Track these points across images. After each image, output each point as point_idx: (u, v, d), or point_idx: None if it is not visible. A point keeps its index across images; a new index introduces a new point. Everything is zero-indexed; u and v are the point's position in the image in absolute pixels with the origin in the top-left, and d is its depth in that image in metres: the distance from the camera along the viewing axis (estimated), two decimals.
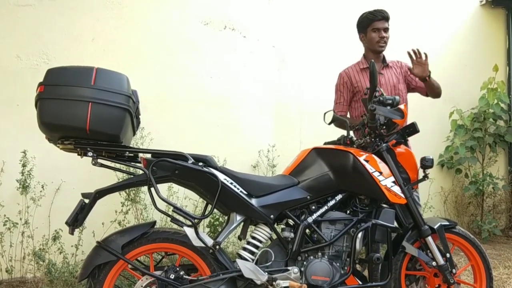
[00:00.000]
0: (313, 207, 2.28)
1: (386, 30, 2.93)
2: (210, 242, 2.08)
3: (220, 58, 4.08)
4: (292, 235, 2.24)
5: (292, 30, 4.36)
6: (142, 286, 2.10)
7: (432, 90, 2.98)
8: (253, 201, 2.19)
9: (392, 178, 2.26)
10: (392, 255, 2.31)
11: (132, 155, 2.15)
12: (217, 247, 2.09)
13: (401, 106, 2.29)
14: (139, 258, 2.19)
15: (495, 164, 5.01)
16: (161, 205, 2.07)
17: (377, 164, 2.25)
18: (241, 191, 2.17)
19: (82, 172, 3.35)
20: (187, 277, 2.08)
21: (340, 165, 2.27)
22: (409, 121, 2.41)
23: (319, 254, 2.24)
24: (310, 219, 2.24)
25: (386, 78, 3.00)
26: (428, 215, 4.30)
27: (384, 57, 3.05)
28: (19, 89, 3.38)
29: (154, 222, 2.21)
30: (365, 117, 2.41)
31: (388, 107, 2.27)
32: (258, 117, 4.20)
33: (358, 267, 2.36)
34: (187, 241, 2.09)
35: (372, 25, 2.92)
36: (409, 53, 2.80)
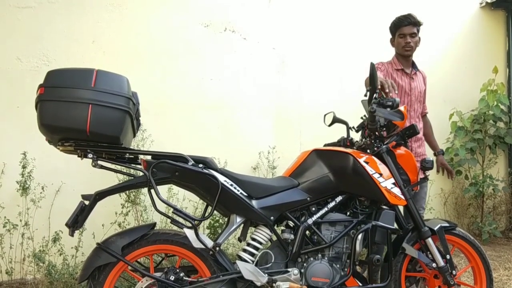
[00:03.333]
0: (313, 209, 2.28)
1: (413, 35, 2.97)
2: (210, 243, 2.09)
3: (220, 60, 4.09)
4: (292, 236, 2.24)
5: (292, 32, 4.37)
6: (142, 287, 2.10)
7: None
8: (253, 203, 2.19)
9: (392, 180, 2.26)
10: (392, 256, 2.31)
11: (132, 156, 2.15)
12: (217, 248, 2.09)
13: (401, 108, 2.29)
14: (139, 260, 2.19)
15: (495, 166, 5.01)
16: (161, 206, 2.07)
17: (377, 166, 2.25)
18: (241, 193, 2.18)
19: (82, 174, 3.35)
20: (187, 278, 2.08)
21: (340, 167, 2.27)
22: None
23: (319, 255, 2.24)
24: (310, 221, 2.24)
25: (416, 83, 3.07)
26: (428, 217, 4.30)
27: (414, 62, 3.10)
28: (19, 91, 3.39)
29: (154, 224, 2.21)
30: (365, 118, 2.42)
31: (388, 109, 2.28)
32: (258, 119, 4.20)
33: (358, 268, 2.36)
34: (187, 242, 2.09)
35: (399, 30, 2.98)
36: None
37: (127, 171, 2.29)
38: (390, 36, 3.09)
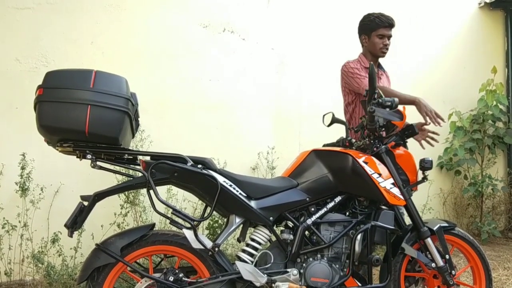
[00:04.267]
0: (312, 209, 2.28)
1: (389, 37, 2.94)
2: (209, 244, 2.08)
3: (219, 60, 4.09)
4: (291, 237, 2.24)
5: (291, 33, 4.37)
6: None
7: None
8: (252, 203, 2.19)
9: (391, 180, 2.26)
10: (392, 256, 2.31)
11: (131, 157, 2.15)
12: (216, 249, 2.09)
13: (400, 108, 2.29)
14: (138, 261, 2.19)
15: (494, 166, 5.02)
16: (160, 207, 2.07)
17: (376, 166, 2.25)
18: (240, 193, 2.17)
19: (81, 175, 3.35)
20: (186, 279, 2.08)
21: (339, 167, 2.27)
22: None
23: (319, 256, 2.24)
24: (309, 221, 2.24)
25: (382, 83, 3.02)
26: (427, 217, 4.30)
27: (379, 63, 3.08)
28: (18, 92, 3.39)
29: (153, 225, 2.21)
30: (364, 119, 2.42)
31: (387, 109, 2.28)
32: (258, 120, 4.20)
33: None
34: (186, 243, 2.09)
35: (378, 31, 2.91)
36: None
37: (126, 172, 2.29)
38: (362, 35, 3.01)
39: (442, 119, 2.57)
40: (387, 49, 2.94)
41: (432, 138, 2.68)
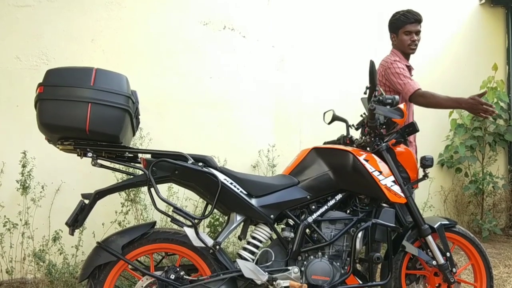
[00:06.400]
0: (313, 207, 2.28)
1: (418, 33, 2.93)
2: (210, 242, 2.09)
3: (220, 58, 4.08)
4: (292, 235, 2.24)
5: (292, 30, 4.36)
6: (142, 286, 2.10)
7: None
8: (253, 201, 2.19)
9: (392, 178, 2.26)
10: (392, 254, 2.31)
11: (132, 155, 2.15)
12: (217, 247, 2.10)
13: (401, 106, 2.28)
14: (139, 259, 2.19)
15: (495, 163, 5.01)
16: (161, 205, 2.07)
17: (377, 164, 2.25)
18: (241, 191, 2.17)
19: (82, 173, 3.35)
20: (187, 277, 2.08)
21: (340, 165, 2.27)
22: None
23: (319, 253, 2.24)
24: (310, 219, 2.24)
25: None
26: (428, 214, 4.31)
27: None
28: (18, 90, 3.38)
29: (154, 223, 2.21)
30: (364, 116, 2.41)
31: (388, 107, 2.27)
32: (258, 117, 4.20)
33: (358, 266, 2.36)
34: (187, 241, 2.09)
35: (404, 28, 2.91)
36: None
37: (126, 170, 2.29)
38: (391, 34, 3.01)
39: (491, 106, 2.45)
40: (416, 45, 2.93)
41: (487, 110, 2.49)
